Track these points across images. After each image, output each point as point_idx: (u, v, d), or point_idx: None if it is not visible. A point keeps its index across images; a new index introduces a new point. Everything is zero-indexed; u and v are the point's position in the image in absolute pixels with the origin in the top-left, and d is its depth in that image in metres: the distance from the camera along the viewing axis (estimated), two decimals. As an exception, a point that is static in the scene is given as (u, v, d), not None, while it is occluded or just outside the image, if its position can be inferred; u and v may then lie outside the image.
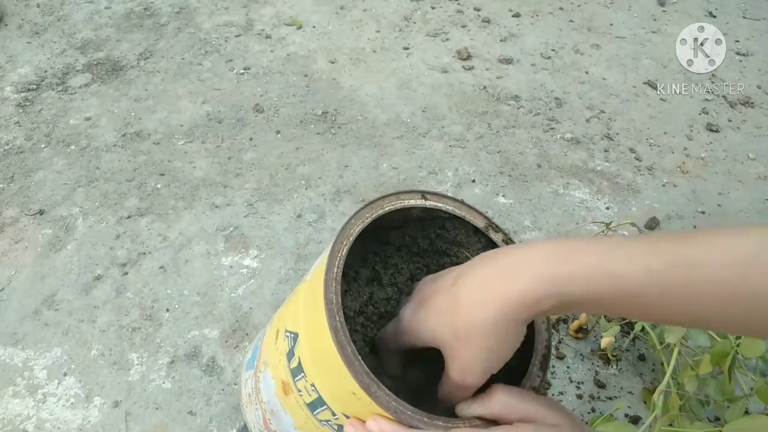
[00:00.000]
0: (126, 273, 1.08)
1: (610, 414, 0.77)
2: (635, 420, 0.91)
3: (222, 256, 1.12)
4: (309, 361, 0.41)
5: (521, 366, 0.41)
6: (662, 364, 0.91)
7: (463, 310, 0.33)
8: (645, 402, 0.93)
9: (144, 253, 1.12)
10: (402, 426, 0.35)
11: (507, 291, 0.32)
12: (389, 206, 0.44)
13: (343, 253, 0.41)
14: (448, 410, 0.39)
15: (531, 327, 0.42)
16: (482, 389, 0.37)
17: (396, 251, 0.51)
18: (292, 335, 0.44)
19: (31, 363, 0.95)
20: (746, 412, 0.74)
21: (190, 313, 1.03)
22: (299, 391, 0.42)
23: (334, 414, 0.40)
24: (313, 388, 0.41)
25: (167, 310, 1.03)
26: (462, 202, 0.47)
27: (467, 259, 0.47)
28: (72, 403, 0.90)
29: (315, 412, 0.42)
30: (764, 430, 0.62)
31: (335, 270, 0.40)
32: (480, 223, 0.47)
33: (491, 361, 0.34)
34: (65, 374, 0.94)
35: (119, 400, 0.91)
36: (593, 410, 0.92)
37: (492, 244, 0.47)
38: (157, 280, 1.07)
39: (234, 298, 1.05)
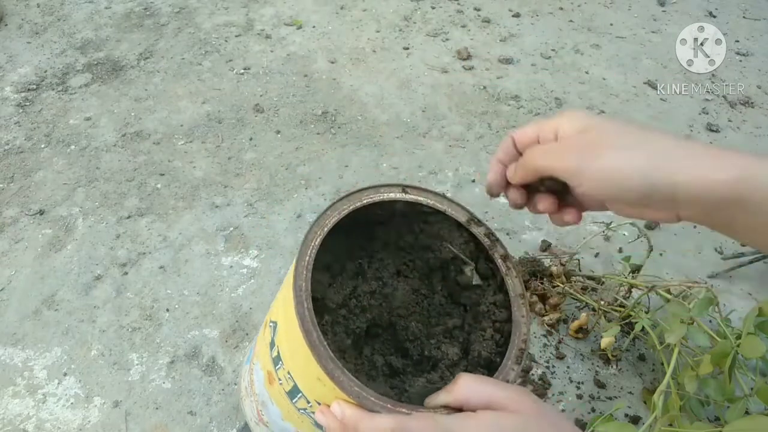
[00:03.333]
0: (126, 273, 1.08)
1: (610, 414, 0.77)
2: (635, 420, 0.91)
3: (222, 256, 1.12)
4: (285, 350, 0.41)
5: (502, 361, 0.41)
6: (662, 364, 0.91)
7: None
8: (645, 402, 0.93)
9: (144, 253, 1.12)
10: (364, 411, 0.35)
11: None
12: (367, 199, 0.45)
13: (316, 243, 0.41)
14: (422, 402, 0.40)
15: (511, 322, 0.43)
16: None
17: (383, 246, 0.51)
18: (273, 325, 0.44)
19: (31, 363, 0.95)
20: (746, 413, 0.74)
21: (190, 313, 1.03)
22: (280, 380, 0.43)
23: (308, 402, 0.40)
24: (289, 376, 0.41)
25: (167, 310, 1.03)
26: (443, 196, 0.47)
27: (450, 253, 0.48)
28: (72, 403, 0.90)
29: (293, 401, 0.42)
30: (764, 430, 0.62)
31: (306, 259, 0.40)
32: (462, 218, 0.47)
33: None
34: (65, 374, 0.94)
35: (119, 400, 0.91)
36: (593, 410, 0.92)
37: (474, 238, 0.48)
38: (157, 280, 1.07)
39: (234, 298, 1.05)
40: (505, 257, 0.46)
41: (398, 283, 0.50)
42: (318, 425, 0.39)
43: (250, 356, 0.55)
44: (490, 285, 0.48)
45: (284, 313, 0.41)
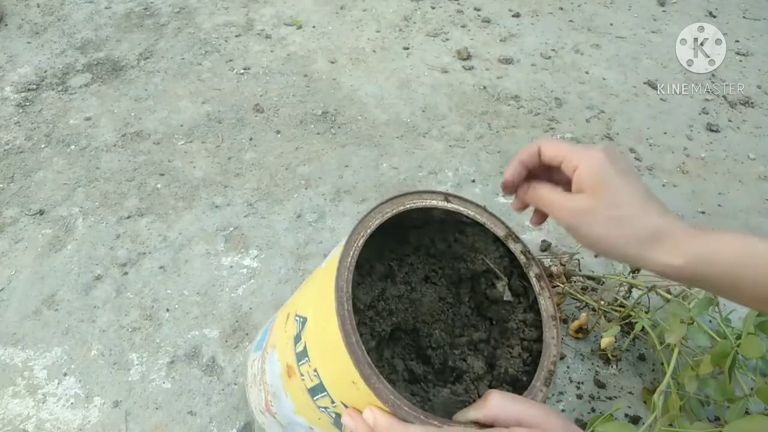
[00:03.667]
0: (126, 273, 1.08)
1: (610, 414, 0.77)
2: (635, 420, 0.91)
3: (222, 256, 1.12)
4: (314, 347, 0.41)
5: (528, 381, 0.41)
6: (662, 364, 0.91)
7: None
8: (645, 402, 0.93)
9: (144, 253, 1.12)
10: (397, 420, 0.35)
11: None
12: (410, 204, 0.45)
13: (359, 245, 0.41)
14: (446, 412, 0.40)
15: (541, 342, 0.43)
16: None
17: (414, 250, 0.51)
18: (301, 319, 0.44)
19: (31, 363, 0.95)
20: (746, 413, 0.74)
21: (190, 313, 1.03)
22: (302, 375, 0.43)
23: (332, 402, 0.40)
24: (315, 373, 0.41)
25: (167, 310, 1.03)
26: (484, 209, 0.47)
27: (483, 266, 0.48)
28: (72, 403, 0.90)
29: (315, 398, 0.42)
30: (764, 430, 0.62)
31: (349, 260, 0.40)
32: (500, 232, 0.47)
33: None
34: (65, 374, 0.94)
35: (119, 400, 0.91)
36: (593, 410, 0.92)
37: (509, 254, 0.47)
38: (157, 280, 1.07)
39: (234, 298, 1.05)
40: (540, 277, 0.46)
41: (426, 290, 0.49)
42: (337, 425, 0.39)
43: (263, 344, 0.55)
44: (521, 302, 0.48)
45: (317, 310, 0.41)
